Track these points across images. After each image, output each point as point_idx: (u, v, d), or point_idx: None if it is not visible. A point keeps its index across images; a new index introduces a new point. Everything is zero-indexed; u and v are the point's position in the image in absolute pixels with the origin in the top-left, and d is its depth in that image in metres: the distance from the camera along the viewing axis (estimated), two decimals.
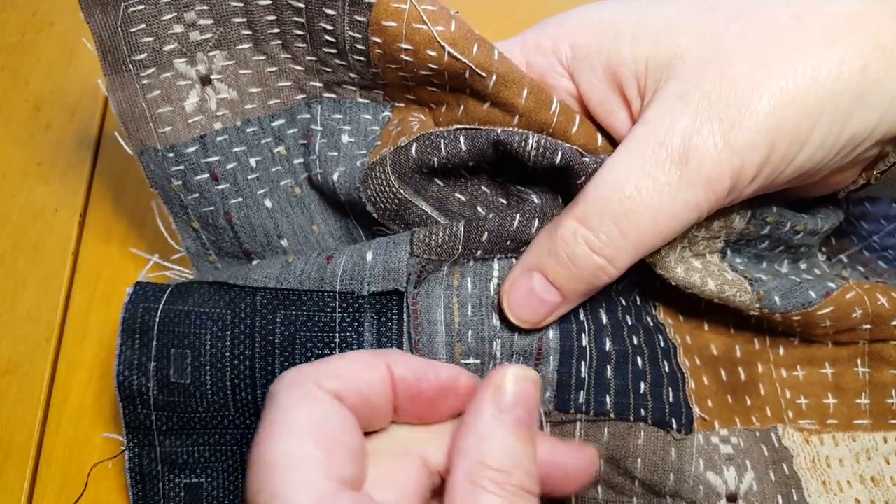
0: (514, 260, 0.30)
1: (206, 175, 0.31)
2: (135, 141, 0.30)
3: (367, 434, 0.25)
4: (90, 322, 0.36)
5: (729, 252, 0.32)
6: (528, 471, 0.23)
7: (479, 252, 0.29)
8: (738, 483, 0.29)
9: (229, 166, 0.31)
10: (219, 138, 0.31)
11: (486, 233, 0.29)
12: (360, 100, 0.32)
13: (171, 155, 0.30)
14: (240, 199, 0.31)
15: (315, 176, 0.31)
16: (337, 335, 0.29)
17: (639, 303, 0.32)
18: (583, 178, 0.28)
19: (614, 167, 0.26)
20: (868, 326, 0.31)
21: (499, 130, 0.28)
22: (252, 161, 0.31)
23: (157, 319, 0.29)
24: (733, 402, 0.32)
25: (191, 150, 0.30)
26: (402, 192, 0.29)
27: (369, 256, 0.29)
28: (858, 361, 0.32)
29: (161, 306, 0.29)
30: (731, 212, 0.30)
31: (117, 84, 0.29)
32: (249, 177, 0.32)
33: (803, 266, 0.34)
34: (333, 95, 0.32)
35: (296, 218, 0.32)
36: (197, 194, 0.31)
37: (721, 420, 0.31)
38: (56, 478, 0.33)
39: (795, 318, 0.30)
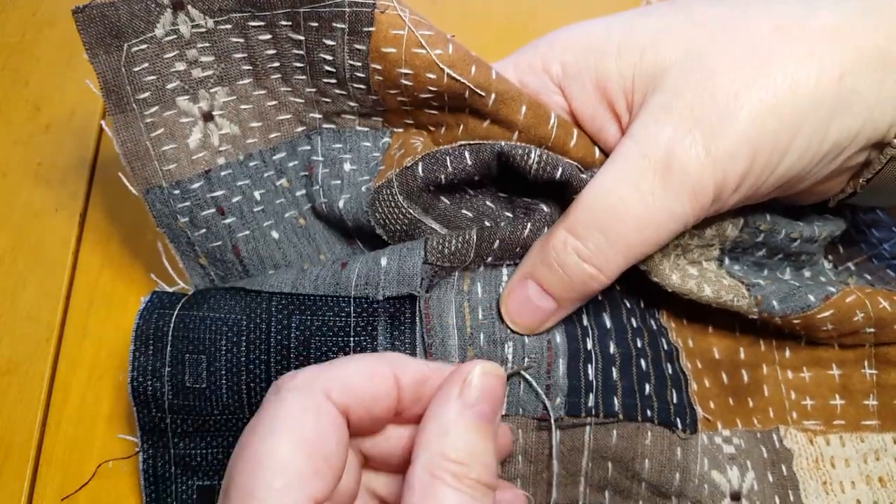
0: None
1: (213, 210, 0.31)
2: (139, 180, 0.30)
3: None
4: (90, 322, 0.37)
5: (727, 260, 0.32)
6: (488, 465, 0.23)
7: (489, 259, 0.30)
8: (741, 482, 0.29)
9: (235, 200, 0.32)
10: (223, 173, 0.31)
11: (498, 241, 0.30)
12: (359, 128, 0.33)
13: (177, 192, 0.31)
14: (247, 232, 0.32)
15: (319, 206, 0.32)
16: (352, 339, 0.29)
17: (643, 305, 0.33)
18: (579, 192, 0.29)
19: (601, 179, 0.27)
20: (872, 330, 0.31)
21: (502, 143, 0.29)
22: (256, 194, 0.32)
23: (172, 325, 0.29)
24: (735, 404, 0.32)
25: (196, 185, 0.31)
26: (410, 211, 0.30)
27: (384, 262, 0.29)
28: (865, 363, 0.33)
29: (176, 312, 0.30)
30: (723, 220, 0.30)
31: (121, 123, 0.29)
32: (255, 209, 0.32)
33: (807, 274, 0.35)
34: (333, 126, 0.33)
35: (303, 248, 0.33)
36: (204, 230, 0.32)
37: (723, 421, 0.31)
38: (56, 478, 0.33)
39: (796, 321, 0.31)
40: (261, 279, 0.31)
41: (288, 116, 0.32)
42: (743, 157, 0.25)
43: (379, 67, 0.29)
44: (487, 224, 0.31)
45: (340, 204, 0.31)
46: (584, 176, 0.28)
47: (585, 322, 0.30)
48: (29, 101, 0.43)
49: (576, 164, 0.29)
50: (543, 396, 0.29)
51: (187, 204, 0.31)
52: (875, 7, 0.26)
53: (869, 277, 0.35)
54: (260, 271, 0.33)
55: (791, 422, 0.32)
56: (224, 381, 0.29)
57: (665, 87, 0.26)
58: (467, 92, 0.28)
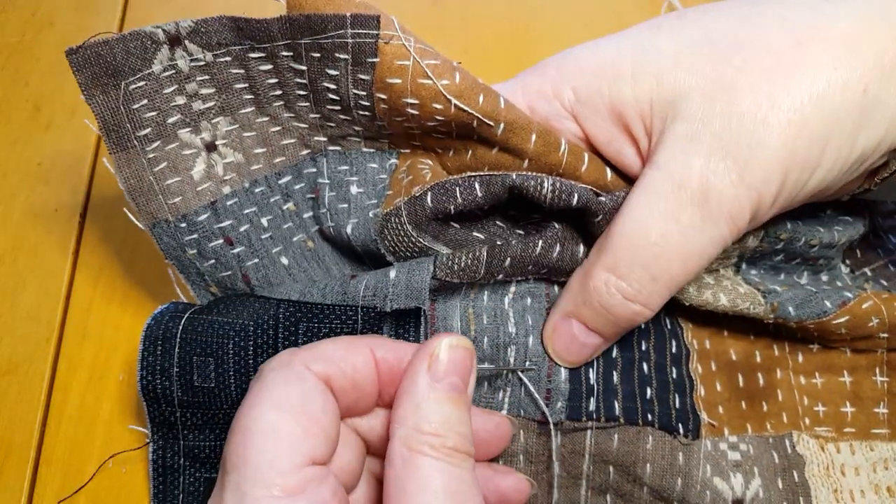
0: (531, 279, 0.31)
1: (221, 241, 0.31)
2: (145, 215, 0.30)
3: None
4: (90, 322, 0.37)
5: (744, 265, 0.32)
6: (464, 434, 0.24)
7: (500, 276, 0.30)
8: (744, 489, 0.29)
9: (242, 229, 0.31)
10: (229, 202, 0.31)
11: (509, 258, 0.29)
12: (365, 149, 0.32)
13: (184, 225, 0.30)
14: (256, 260, 0.32)
15: (327, 229, 0.32)
16: None
17: None
18: (600, 216, 0.28)
19: (635, 213, 0.27)
20: (886, 335, 0.31)
21: (514, 176, 0.28)
22: (264, 221, 0.32)
23: (180, 328, 0.30)
24: (747, 408, 0.32)
25: (203, 217, 0.31)
26: (420, 240, 0.30)
27: (392, 274, 0.29)
28: (877, 370, 0.32)
29: (185, 315, 0.30)
30: (745, 234, 0.30)
31: (123, 161, 0.29)
32: (263, 237, 0.32)
33: (824, 278, 0.34)
34: (338, 148, 0.32)
35: (313, 272, 0.33)
36: (213, 260, 0.31)
37: (731, 426, 0.31)
38: (56, 478, 0.33)
39: (811, 325, 0.31)
40: (269, 291, 0.31)
41: (292, 141, 0.32)
42: (776, 179, 0.25)
43: (384, 97, 0.28)
44: (499, 243, 0.31)
45: (349, 230, 0.31)
46: (602, 199, 0.28)
47: None
48: (29, 101, 0.44)
49: (590, 188, 0.29)
50: (541, 402, 0.29)
51: (195, 236, 0.31)
52: (890, 15, 0.26)
53: (885, 283, 0.35)
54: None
55: (804, 427, 0.32)
56: (233, 381, 0.29)
57: (688, 114, 0.26)
58: (475, 122, 0.28)
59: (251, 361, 0.29)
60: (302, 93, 0.30)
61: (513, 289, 0.31)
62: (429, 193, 0.29)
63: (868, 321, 0.30)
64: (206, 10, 0.47)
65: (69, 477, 0.33)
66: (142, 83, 0.28)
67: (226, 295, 0.31)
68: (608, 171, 0.30)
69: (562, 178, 0.29)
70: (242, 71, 0.29)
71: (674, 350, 0.32)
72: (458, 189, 0.29)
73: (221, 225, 0.31)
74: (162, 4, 0.48)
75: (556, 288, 0.31)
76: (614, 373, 0.30)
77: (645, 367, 0.30)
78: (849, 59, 0.25)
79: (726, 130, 0.25)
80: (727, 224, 0.26)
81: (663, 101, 0.27)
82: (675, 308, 0.33)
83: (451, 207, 0.29)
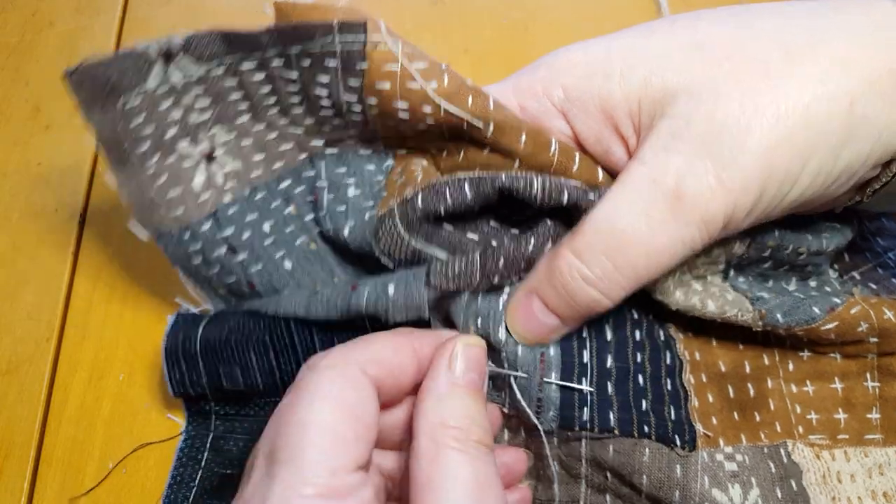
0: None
1: (224, 249, 0.32)
2: (149, 227, 0.31)
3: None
4: (90, 322, 0.37)
5: (732, 272, 0.32)
6: (484, 427, 0.25)
7: (496, 278, 0.30)
8: (743, 500, 0.29)
9: (244, 237, 0.32)
10: (230, 211, 0.32)
11: (503, 258, 0.30)
12: (361, 151, 0.33)
13: (187, 236, 0.31)
14: (259, 266, 0.33)
15: (327, 231, 0.33)
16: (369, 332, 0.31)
17: (651, 316, 0.33)
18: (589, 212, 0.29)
19: (609, 202, 0.27)
20: (875, 339, 0.31)
21: (503, 176, 0.29)
22: (266, 226, 0.33)
23: (199, 346, 0.31)
24: (740, 419, 0.32)
25: (205, 227, 0.31)
26: (412, 242, 0.30)
27: (391, 290, 0.30)
28: (868, 376, 0.32)
29: (199, 334, 0.31)
30: (731, 240, 0.30)
31: (123, 177, 0.30)
32: (266, 243, 0.33)
33: (813, 284, 0.34)
34: (335, 150, 0.33)
35: (316, 274, 0.34)
36: (218, 267, 0.32)
37: (726, 437, 0.31)
38: (56, 478, 0.33)
39: (800, 332, 0.31)
40: (275, 301, 0.32)
41: (290, 146, 0.32)
42: (754, 188, 0.25)
43: (375, 102, 0.29)
44: (494, 243, 0.31)
45: (346, 232, 0.31)
46: (591, 196, 0.28)
47: (584, 333, 0.31)
48: (29, 101, 0.44)
49: (581, 184, 0.29)
50: (531, 413, 0.29)
51: (199, 246, 0.31)
52: (885, 31, 0.26)
53: (874, 286, 0.35)
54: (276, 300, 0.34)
55: (798, 436, 0.32)
56: (261, 381, 0.31)
57: (674, 112, 0.26)
58: (465, 124, 0.28)
59: (273, 364, 0.31)
60: (296, 100, 0.30)
61: (507, 289, 0.30)
62: (419, 195, 0.29)
63: (857, 326, 0.30)
64: (205, 11, 0.47)
65: (69, 477, 0.33)
66: (138, 100, 0.29)
67: (231, 312, 0.32)
68: (600, 170, 0.30)
69: (552, 177, 0.29)
70: (236, 81, 0.30)
71: (668, 361, 0.32)
72: (447, 190, 0.29)
73: (224, 234, 0.32)
74: (162, 4, 0.48)
75: None
76: (609, 383, 0.30)
77: (640, 378, 0.31)
78: (837, 73, 0.25)
79: (709, 132, 0.25)
80: (697, 226, 0.26)
81: (651, 99, 0.27)
82: (667, 318, 0.33)
83: (442, 209, 0.29)
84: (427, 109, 0.28)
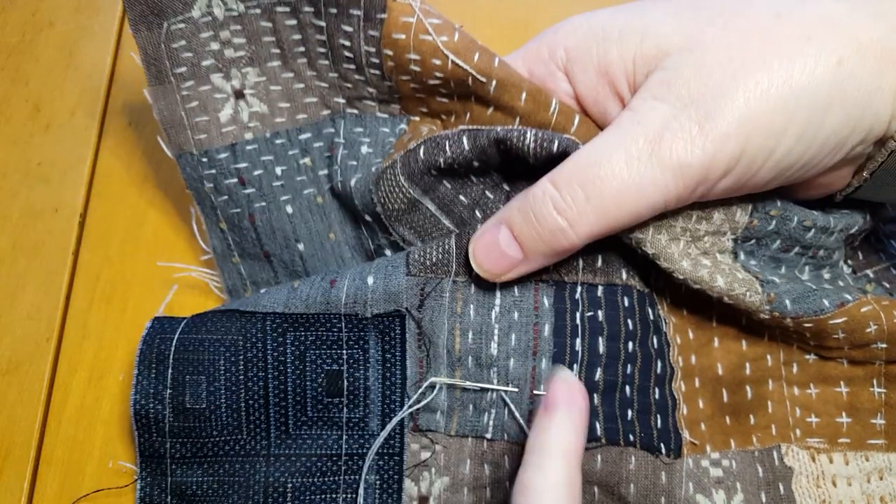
0: (514, 290, 0.31)
1: (235, 179, 0.34)
2: (174, 145, 0.33)
3: None
4: (90, 322, 0.37)
5: (742, 254, 0.32)
6: None
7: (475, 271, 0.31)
8: None
9: (256, 173, 0.34)
10: (248, 147, 0.34)
11: None
12: (379, 114, 0.35)
13: (205, 160, 0.33)
14: (263, 204, 0.34)
15: (336, 184, 0.34)
16: (344, 352, 0.31)
17: (651, 318, 0.33)
18: None
19: (594, 141, 0.28)
20: (884, 346, 0.31)
21: (498, 129, 0.30)
22: (278, 170, 0.34)
23: (173, 349, 0.31)
24: (732, 423, 0.32)
25: (222, 156, 0.33)
26: (410, 191, 0.31)
27: (370, 280, 0.31)
28: (875, 382, 0.32)
29: (177, 336, 0.31)
30: (732, 204, 0.30)
31: (160, 93, 0.32)
32: (274, 184, 0.34)
33: (826, 276, 0.34)
34: (355, 111, 0.35)
35: (314, 225, 0.35)
36: (226, 196, 0.34)
37: (713, 443, 0.31)
38: (56, 478, 0.33)
39: (807, 324, 0.30)
40: (254, 299, 0.32)
41: (314, 100, 0.34)
42: (735, 139, 0.25)
43: (391, 53, 0.30)
44: (478, 213, 0.32)
45: (352, 183, 0.33)
46: (580, 147, 0.29)
47: (578, 347, 0.31)
48: (29, 101, 0.44)
49: (574, 138, 0.30)
50: (524, 423, 0.30)
51: (213, 171, 0.33)
52: (876, 1, 0.26)
53: (888, 286, 0.35)
54: (271, 241, 0.35)
55: (794, 439, 0.32)
56: (223, 401, 0.31)
57: (666, 65, 0.27)
58: (470, 79, 0.30)
59: (241, 377, 0.31)
60: (322, 50, 0.32)
61: (498, 301, 0.31)
62: (421, 147, 0.31)
63: (866, 326, 0.30)
64: None
65: (69, 477, 0.33)
66: (182, 25, 0.31)
67: (212, 311, 0.32)
68: (597, 132, 0.31)
69: (545, 130, 0.30)
70: (270, 24, 0.32)
71: (658, 371, 0.32)
72: (447, 143, 0.30)
73: (238, 165, 0.34)
74: None
75: (545, 299, 0.32)
76: (595, 395, 0.30)
77: (628, 389, 0.31)
78: (824, 31, 0.26)
79: (696, 82, 0.26)
80: (673, 172, 0.26)
81: (646, 57, 0.28)
82: (668, 320, 0.33)
83: (441, 160, 0.30)
84: (436, 62, 0.30)
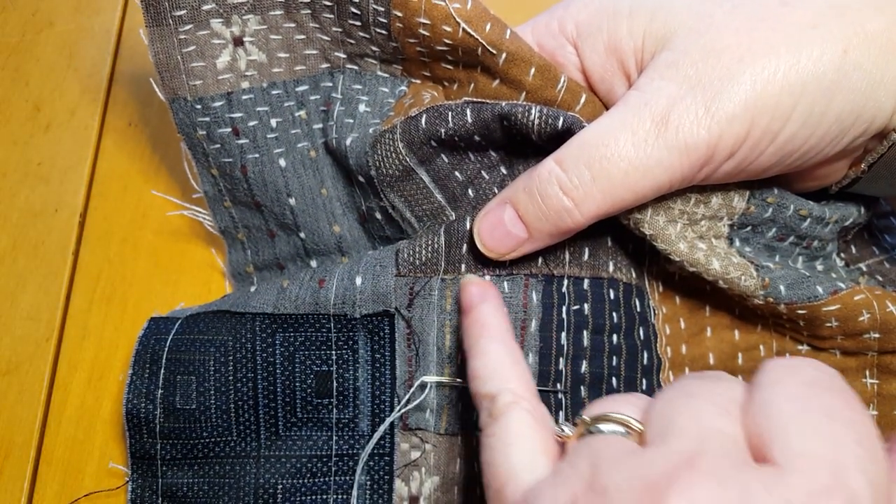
0: (504, 286, 0.31)
1: (229, 129, 0.33)
2: (167, 89, 0.32)
3: None
4: (90, 322, 0.37)
5: (737, 241, 0.32)
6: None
7: (463, 266, 0.31)
8: None
9: (251, 124, 0.33)
10: (244, 97, 0.33)
11: (465, 244, 0.31)
12: (379, 73, 0.34)
13: (199, 107, 0.33)
14: (256, 156, 0.34)
15: (330, 141, 0.34)
16: (333, 353, 0.31)
17: (637, 310, 0.33)
18: None
19: (600, 119, 0.28)
20: (877, 336, 0.31)
21: (503, 104, 0.30)
22: (273, 122, 0.34)
23: (166, 349, 0.31)
24: None
25: (217, 104, 0.33)
26: (406, 159, 0.31)
27: (358, 281, 0.31)
28: (867, 372, 0.32)
29: (171, 336, 0.31)
30: (730, 190, 0.30)
31: (157, 35, 0.31)
32: (268, 136, 0.34)
33: (819, 267, 0.35)
34: (355, 67, 0.34)
35: (306, 180, 0.35)
36: (218, 145, 0.33)
37: None
38: (56, 478, 0.33)
39: (800, 311, 0.31)
40: (244, 299, 0.32)
41: (314, 52, 0.34)
42: (741, 121, 0.26)
43: (400, 15, 0.30)
44: (470, 192, 0.32)
45: (348, 142, 0.32)
46: (585, 125, 0.29)
47: (563, 341, 0.31)
48: (29, 101, 0.44)
49: (579, 116, 0.30)
50: None
51: (206, 119, 0.33)
52: None
53: (880, 279, 0.35)
54: (263, 193, 0.34)
55: None
56: (213, 402, 0.31)
57: (673, 45, 0.27)
58: (480, 49, 0.29)
59: (231, 377, 0.31)
60: (327, 3, 0.32)
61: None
62: (424, 115, 0.30)
63: (859, 315, 0.30)
64: None
65: (69, 477, 0.33)
66: None
67: (204, 312, 0.32)
68: (604, 111, 0.30)
69: (551, 107, 0.29)
70: None
71: (645, 362, 0.32)
72: (450, 114, 0.30)
73: (232, 115, 0.33)
74: None
75: (534, 295, 0.31)
76: (582, 387, 0.30)
77: (614, 381, 0.31)
78: (832, 19, 0.26)
79: (703, 63, 0.26)
80: (679, 152, 0.26)
81: (655, 35, 0.28)
82: (658, 310, 0.33)
83: (443, 131, 0.30)
84: (446, 28, 0.29)
